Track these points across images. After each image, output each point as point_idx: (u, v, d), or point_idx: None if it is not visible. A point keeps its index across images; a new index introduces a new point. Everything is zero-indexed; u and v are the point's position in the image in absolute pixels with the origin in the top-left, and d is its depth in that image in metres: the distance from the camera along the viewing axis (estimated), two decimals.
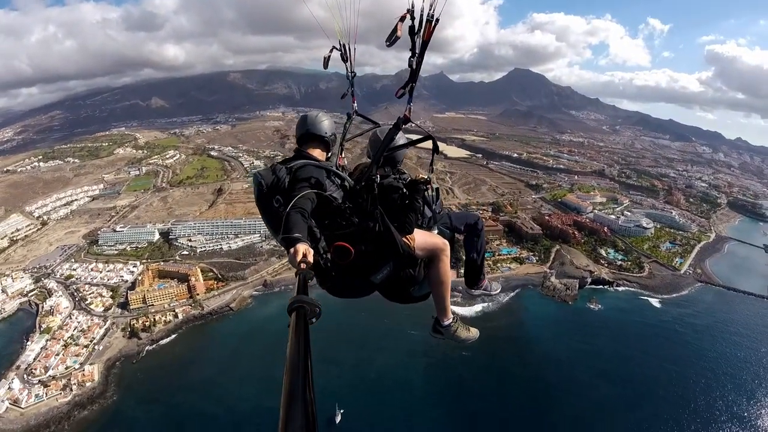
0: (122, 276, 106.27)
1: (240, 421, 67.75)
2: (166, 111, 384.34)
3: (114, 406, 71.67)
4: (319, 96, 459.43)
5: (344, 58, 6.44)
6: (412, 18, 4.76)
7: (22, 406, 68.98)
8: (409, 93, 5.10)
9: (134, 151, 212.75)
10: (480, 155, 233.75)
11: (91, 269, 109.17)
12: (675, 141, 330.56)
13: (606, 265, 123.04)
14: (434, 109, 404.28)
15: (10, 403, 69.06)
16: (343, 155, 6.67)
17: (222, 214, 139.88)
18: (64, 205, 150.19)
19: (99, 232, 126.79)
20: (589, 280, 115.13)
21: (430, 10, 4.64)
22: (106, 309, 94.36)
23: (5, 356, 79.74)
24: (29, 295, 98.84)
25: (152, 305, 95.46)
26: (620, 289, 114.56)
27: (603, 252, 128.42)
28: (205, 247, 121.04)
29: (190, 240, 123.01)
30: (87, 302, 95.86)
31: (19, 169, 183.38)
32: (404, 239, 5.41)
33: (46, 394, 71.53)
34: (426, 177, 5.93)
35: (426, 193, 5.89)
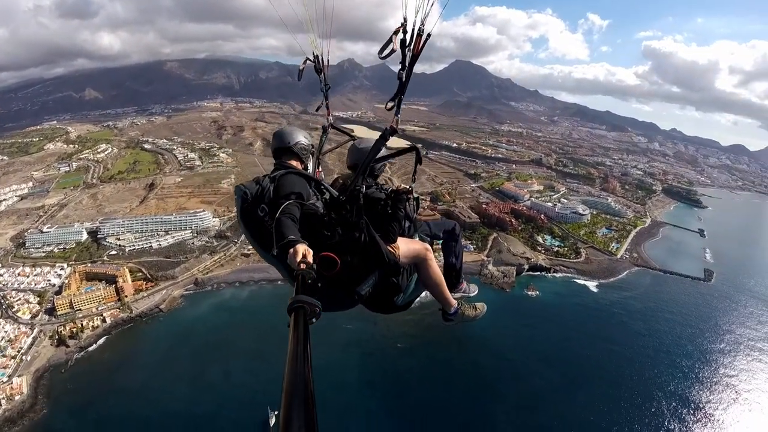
0: (50, 280, 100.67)
1: (173, 423, 65.67)
2: (99, 103, 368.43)
3: (44, 419, 68.19)
4: (259, 86, 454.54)
5: (318, 70, 6.95)
6: (404, 32, 4.86)
7: None
8: (397, 105, 5.18)
9: (65, 145, 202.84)
10: (420, 145, 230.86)
11: (18, 274, 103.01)
12: (611, 131, 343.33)
13: (543, 251, 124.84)
14: (376, 100, 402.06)
15: None
16: (320, 169, 7.01)
17: (153, 210, 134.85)
18: None
19: (26, 233, 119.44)
20: (527, 267, 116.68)
21: (420, 24, 4.74)
22: (33, 316, 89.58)
23: None
24: None
25: (80, 310, 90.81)
26: (557, 275, 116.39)
27: (540, 239, 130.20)
28: (134, 245, 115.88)
29: (118, 239, 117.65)
30: (14, 310, 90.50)
31: None
32: (389, 248, 5.55)
33: None
34: (408, 187, 6.27)
35: (408, 202, 6.09)
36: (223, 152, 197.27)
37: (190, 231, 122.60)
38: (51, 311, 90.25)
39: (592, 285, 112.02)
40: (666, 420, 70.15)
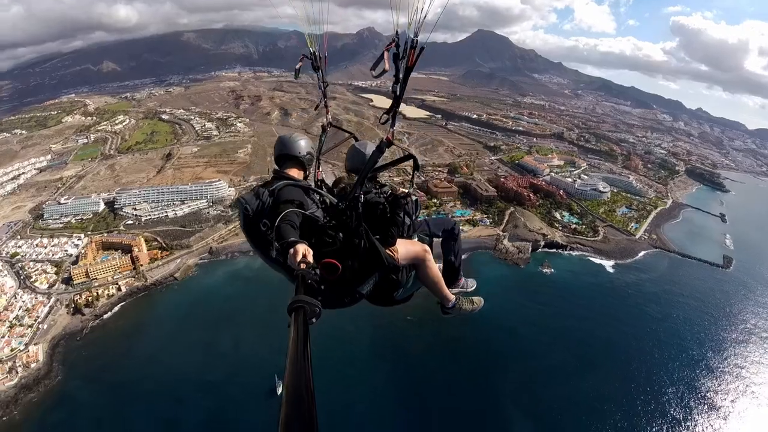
0: (66, 250, 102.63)
1: (184, 391, 67.57)
2: (117, 75, 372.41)
3: (59, 386, 70.12)
4: (277, 55, 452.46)
5: (315, 67, 6.83)
6: (397, 46, 4.84)
7: None
8: (392, 118, 5.24)
9: (83, 118, 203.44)
10: (439, 116, 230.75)
11: (36, 245, 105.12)
12: (636, 108, 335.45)
13: (560, 228, 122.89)
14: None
15: None
16: (320, 169, 6.98)
17: (169, 180, 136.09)
18: (11, 179, 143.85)
19: (44, 205, 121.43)
20: (543, 243, 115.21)
21: (414, 37, 4.69)
22: (51, 286, 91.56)
23: None
24: None
25: (95, 279, 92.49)
26: (574, 253, 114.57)
27: (558, 215, 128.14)
28: (150, 215, 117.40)
29: (135, 209, 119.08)
30: (32, 280, 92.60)
31: None
32: (388, 251, 5.73)
33: None
34: (406, 191, 6.28)
35: (407, 205, 6.16)
36: (240, 122, 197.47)
37: (205, 200, 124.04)
38: (68, 281, 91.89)
39: (608, 265, 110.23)
40: (672, 407, 69.73)
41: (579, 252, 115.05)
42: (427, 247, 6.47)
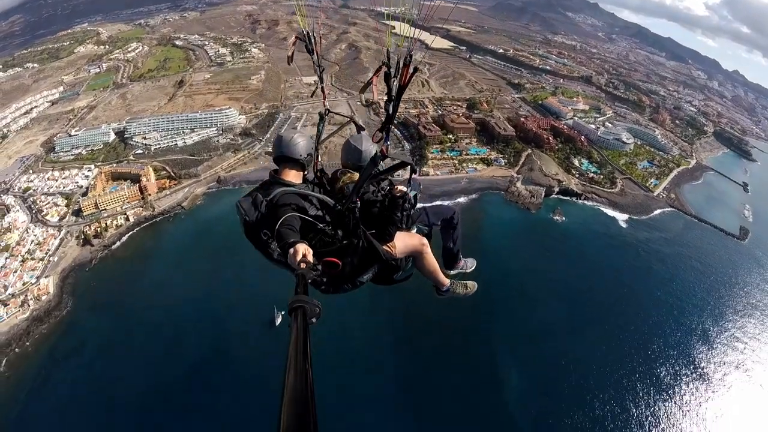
0: (77, 182, 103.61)
1: (187, 319, 70.74)
2: (131, 1, 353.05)
3: (69, 317, 73.30)
4: None
5: (309, 50, 6.69)
6: (388, 68, 5.00)
7: None
8: (386, 134, 5.57)
9: (95, 47, 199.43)
10: (464, 48, 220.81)
11: (48, 178, 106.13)
12: (671, 60, 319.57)
13: (577, 176, 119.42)
14: None
15: None
16: (319, 159, 6.84)
17: (180, 108, 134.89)
18: (24, 114, 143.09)
19: (55, 138, 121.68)
20: (557, 189, 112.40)
21: (407, 57, 4.88)
22: (61, 218, 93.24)
23: None
24: None
25: (105, 210, 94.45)
26: (588, 202, 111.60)
27: (576, 162, 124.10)
28: (159, 144, 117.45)
29: (144, 138, 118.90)
30: (43, 213, 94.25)
31: None
32: (386, 248, 5.95)
33: (6, 313, 72.36)
34: (404, 190, 6.30)
35: (404, 204, 6.20)
36: (255, 47, 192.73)
37: (215, 129, 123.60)
38: (77, 213, 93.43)
39: (621, 219, 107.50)
40: (662, 371, 69.99)
41: (593, 202, 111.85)
42: (425, 240, 6.71)
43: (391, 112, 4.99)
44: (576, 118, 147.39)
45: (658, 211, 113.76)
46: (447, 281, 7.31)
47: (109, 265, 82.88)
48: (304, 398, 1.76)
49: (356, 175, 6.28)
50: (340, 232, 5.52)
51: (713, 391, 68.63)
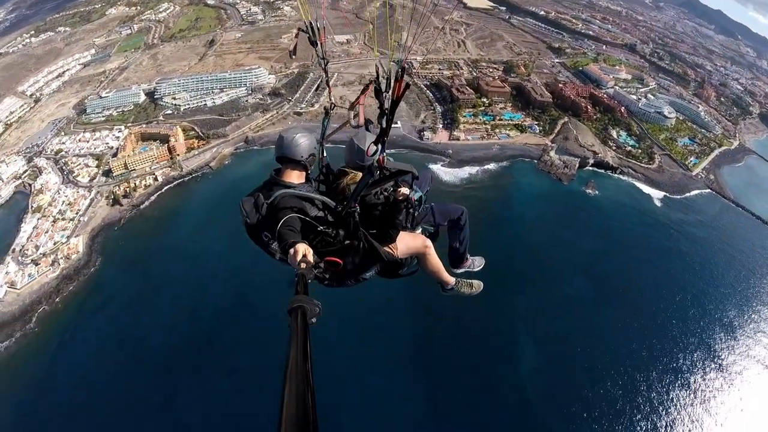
0: (108, 143, 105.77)
1: (211, 276, 73.13)
2: None
3: (96, 275, 76.26)
4: None
5: (313, 42, 6.49)
6: (378, 85, 4.86)
7: (18, 287, 73.56)
8: (381, 145, 5.27)
9: (127, 8, 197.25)
10: (503, 8, 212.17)
11: (79, 140, 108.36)
12: (719, 34, 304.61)
13: (614, 148, 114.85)
14: None
15: (8, 287, 73.54)
16: (325, 154, 6.85)
17: (210, 68, 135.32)
18: (56, 77, 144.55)
19: (86, 100, 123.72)
20: (592, 161, 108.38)
21: (398, 71, 4.68)
22: (92, 179, 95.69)
23: (4, 241, 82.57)
24: (23, 176, 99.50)
25: (134, 170, 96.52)
26: (623, 177, 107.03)
27: (614, 133, 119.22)
28: (188, 104, 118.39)
29: (174, 98, 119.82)
30: (74, 174, 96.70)
31: (11, 50, 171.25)
32: (387, 249, 5.92)
33: (37, 272, 75.92)
34: (407, 193, 6.13)
35: (407, 208, 6.16)
36: (287, 5, 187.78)
37: (244, 88, 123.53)
38: (107, 173, 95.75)
39: (656, 197, 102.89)
40: (681, 357, 68.68)
41: (629, 178, 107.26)
42: (428, 243, 6.73)
43: (385, 125, 4.80)
44: (617, 88, 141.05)
45: (695, 192, 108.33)
46: (451, 280, 7.31)
47: (137, 224, 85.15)
48: (305, 400, 1.75)
49: (359, 176, 6.07)
50: (342, 232, 5.51)
51: (731, 384, 66.81)
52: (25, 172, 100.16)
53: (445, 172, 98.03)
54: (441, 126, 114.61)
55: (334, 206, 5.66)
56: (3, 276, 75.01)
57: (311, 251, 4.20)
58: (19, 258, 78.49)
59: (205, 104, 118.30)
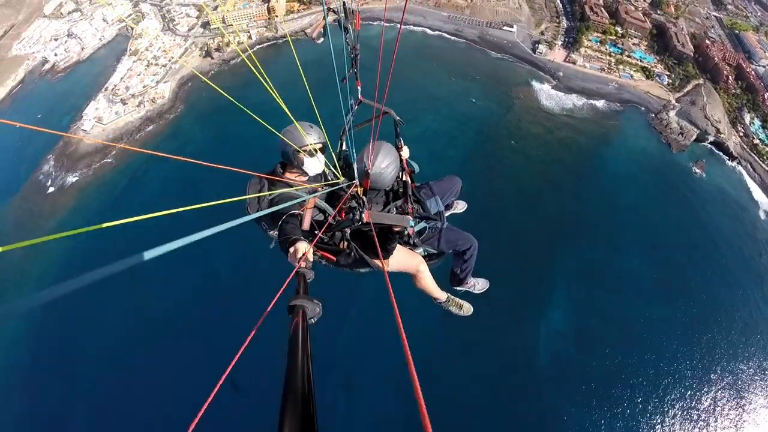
0: None
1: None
2: None
3: (175, 121, 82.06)
4: None
5: (344, 27, 6.14)
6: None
7: (104, 122, 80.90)
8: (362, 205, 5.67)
9: None
10: None
11: None
12: None
13: (741, 134, 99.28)
14: None
15: (96, 122, 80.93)
16: (345, 147, 6.88)
17: None
18: None
19: None
20: (711, 138, 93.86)
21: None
22: (190, 29, 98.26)
23: (100, 79, 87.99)
24: (128, 19, 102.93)
25: (230, 25, 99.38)
26: (738, 168, 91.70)
27: (747, 118, 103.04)
28: None
29: None
30: (174, 23, 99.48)
31: None
32: (377, 262, 5.72)
33: (123, 111, 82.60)
34: (403, 227, 6.01)
35: (399, 236, 6.16)
36: None
37: None
38: (205, 25, 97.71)
39: (765, 207, 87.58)
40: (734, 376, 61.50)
41: (744, 173, 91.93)
42: (422, 266, 6.41)
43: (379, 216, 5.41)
44: None
45: None
46: (442, 296, 7.06)
47: (224, 79, 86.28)
48: (306, 400, 1.77)
49: (361, 189, 5.98)
50: (338, 235, 5.61)
51: None
52: (129, 15, 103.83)
53: (547, 96, 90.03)
54: (560, 43, 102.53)
55: (332, 215, 5.66)
56: (93, 111, 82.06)
57: (311, 250, 4.17)
58: (111, 96, 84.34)
59: None
